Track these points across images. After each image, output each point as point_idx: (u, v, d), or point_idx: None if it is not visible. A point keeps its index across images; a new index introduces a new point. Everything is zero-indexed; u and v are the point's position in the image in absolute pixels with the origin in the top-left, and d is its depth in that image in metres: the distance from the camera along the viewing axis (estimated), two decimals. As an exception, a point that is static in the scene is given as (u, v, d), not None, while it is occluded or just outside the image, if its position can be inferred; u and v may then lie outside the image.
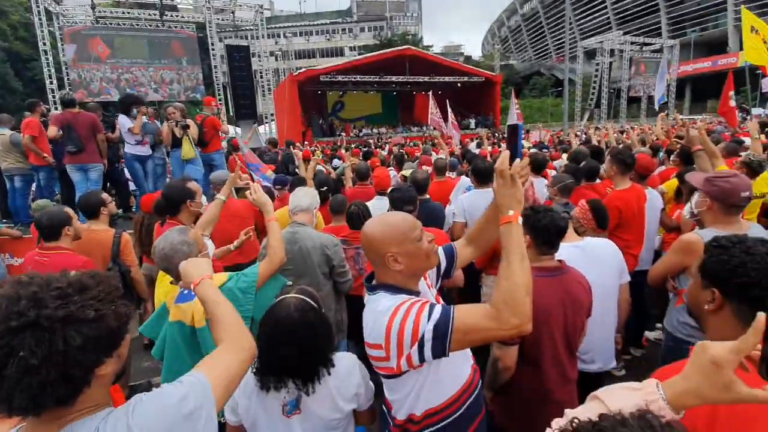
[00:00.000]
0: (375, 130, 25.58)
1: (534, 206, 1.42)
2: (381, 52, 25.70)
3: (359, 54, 49.15)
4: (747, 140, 5.19)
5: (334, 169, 6.66)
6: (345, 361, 1.46)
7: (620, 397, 0.74)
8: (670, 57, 27.28)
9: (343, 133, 24.51)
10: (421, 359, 1.11)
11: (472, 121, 25.97)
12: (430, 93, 11.29)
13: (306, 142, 17.82)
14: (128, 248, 3.02)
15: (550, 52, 57.64)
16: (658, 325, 3.22)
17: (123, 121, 5.32)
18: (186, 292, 1.63)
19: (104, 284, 0.82)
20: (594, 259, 2.10)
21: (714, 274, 1.04)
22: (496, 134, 19.95)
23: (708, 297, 1.04)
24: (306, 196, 2.63)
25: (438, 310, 1.11)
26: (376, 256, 1.22)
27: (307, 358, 1.33)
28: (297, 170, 5.35)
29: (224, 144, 7.50)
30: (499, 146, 10.09)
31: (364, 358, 3.20)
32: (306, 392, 1.34)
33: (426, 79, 24.46)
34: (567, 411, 0.80)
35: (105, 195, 3.19)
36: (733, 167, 3.63)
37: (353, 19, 62.65)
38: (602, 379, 2.56)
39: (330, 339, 1.42)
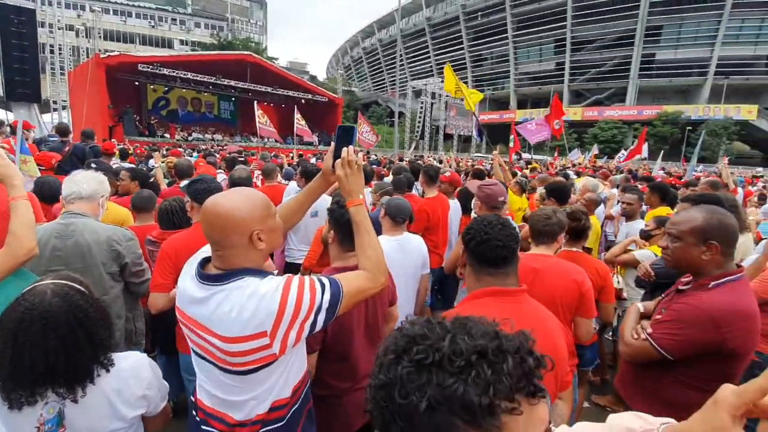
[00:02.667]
0: (208, 136, 23.33)
1: (339, 201, 1.51)
2: (220, 52, 23.95)
3: (192, 50, 44.42)
4: (518, 172, 7.40)
5: (149, 170, 5.72)
6: (130, 358, 1.21)
7: (627, 420, 0.74)
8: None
9: (167, 134, 21.49)
10: (312, 329, 1.13)
11: (315, 138, 26.56)
12: (255, 103, 11.04)
13: (114, 140, 14.86)
14: None
15: (386, 86, 64.54)
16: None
17: None
18: None
19: None
20: (406, 251, 2.49)
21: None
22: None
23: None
24: (88, 181, 2.07)
25: (326, 280, 1.17)
26: (238, 237, 1.08)
27: (74, 354, 1.05)
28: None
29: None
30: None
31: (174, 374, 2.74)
32: (74, 399, 1.06)
33: (269, 89, 23.87)
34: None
35: None
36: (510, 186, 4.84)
37: (187, 12, 56.58)
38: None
39: (107, 328, 1.15)
